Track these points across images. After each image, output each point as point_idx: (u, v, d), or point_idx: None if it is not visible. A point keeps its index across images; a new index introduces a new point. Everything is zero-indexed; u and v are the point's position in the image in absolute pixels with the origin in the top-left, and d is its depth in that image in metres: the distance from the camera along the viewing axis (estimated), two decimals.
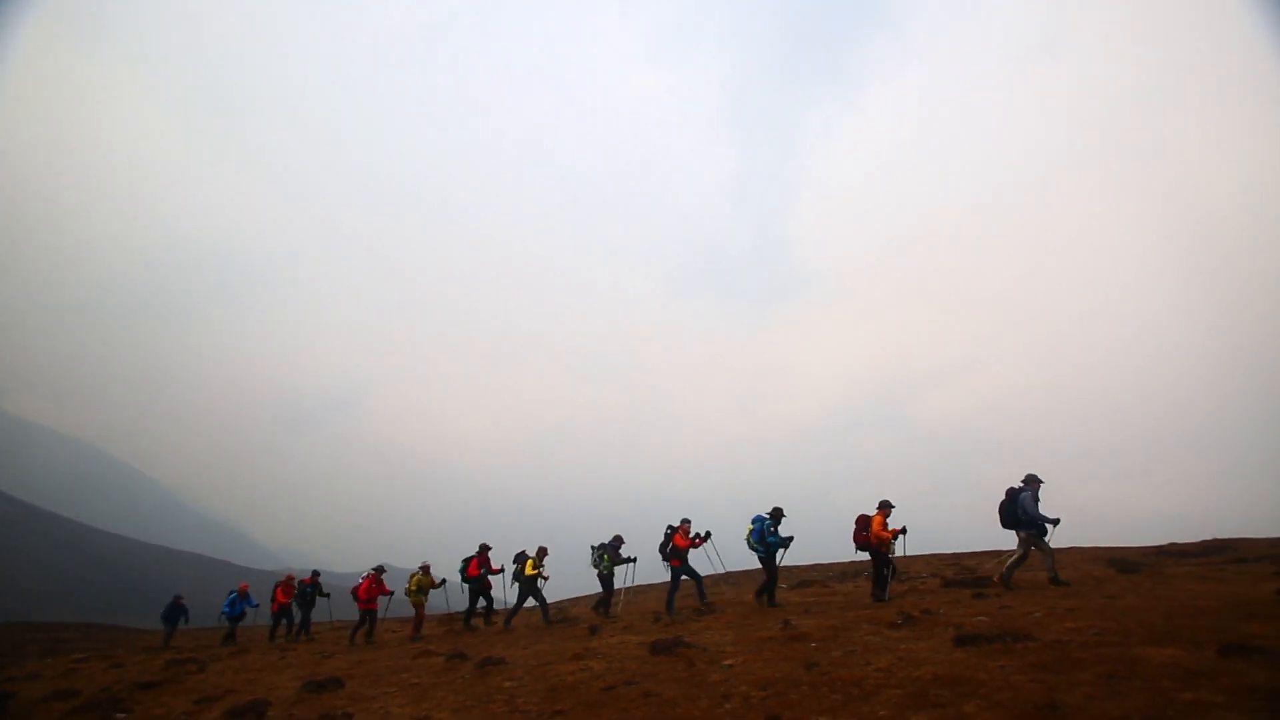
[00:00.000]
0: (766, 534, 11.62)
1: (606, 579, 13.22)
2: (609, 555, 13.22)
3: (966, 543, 20.47)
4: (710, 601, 12.79)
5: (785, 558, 11.98)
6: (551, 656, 8.74)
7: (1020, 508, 10.42)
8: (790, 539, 11.65)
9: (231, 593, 18.06)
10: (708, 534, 12.61)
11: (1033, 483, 10.62)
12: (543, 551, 13.58)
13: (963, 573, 14.54)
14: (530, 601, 13.45)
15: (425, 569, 14.65)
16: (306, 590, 16.55)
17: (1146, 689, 4.17)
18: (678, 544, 12.21)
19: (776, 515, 11.70)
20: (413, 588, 14.43)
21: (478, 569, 13.87)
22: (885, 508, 11.18)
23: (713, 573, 12.96)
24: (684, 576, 12.29)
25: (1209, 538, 17.19)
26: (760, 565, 11.93)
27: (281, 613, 16.82)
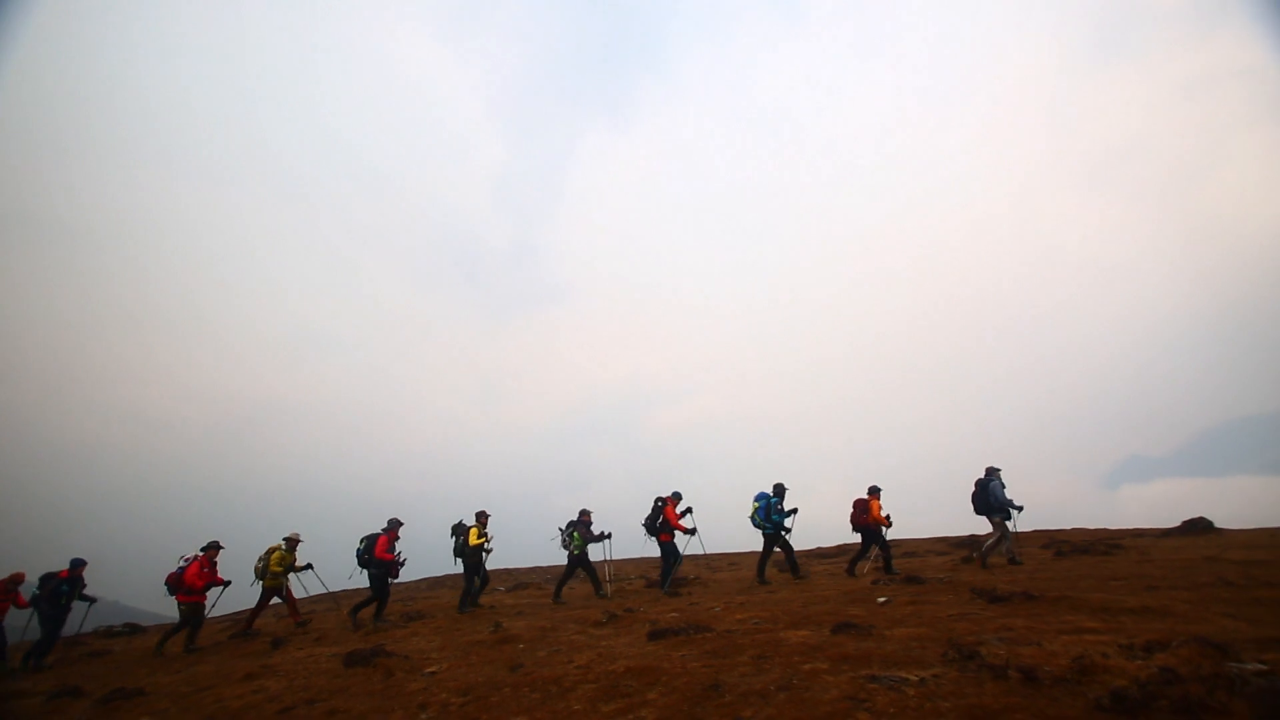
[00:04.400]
0: (774, 510, 11.70)
1: (578, 559, 12.13)
2: (579, 533, 12.12)
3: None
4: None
5: (558, 557, 12.13)
6: (214, 679, 7.36)
7: (991, 495, 11.58)
8: (795, 511, 11.81)
9: None
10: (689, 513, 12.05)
11: (995, 474, 11.86)
12: (484, 517, 12.02)
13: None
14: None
15: (292, 542, 11.52)
16: (61, 590, 10.78)
17: (783, 664, 5.13)
18: (669, 517, 11.79)
19: (780, 491, 11.82)
20: (274, 566, 11.29)
21: (383, 551, 11.19)
22: (876, 493, 12.25)
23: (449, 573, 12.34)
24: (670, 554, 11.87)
25: (841, 542, 22.11)
26: (764, 542, 11.88)
27: None
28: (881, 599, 8.07)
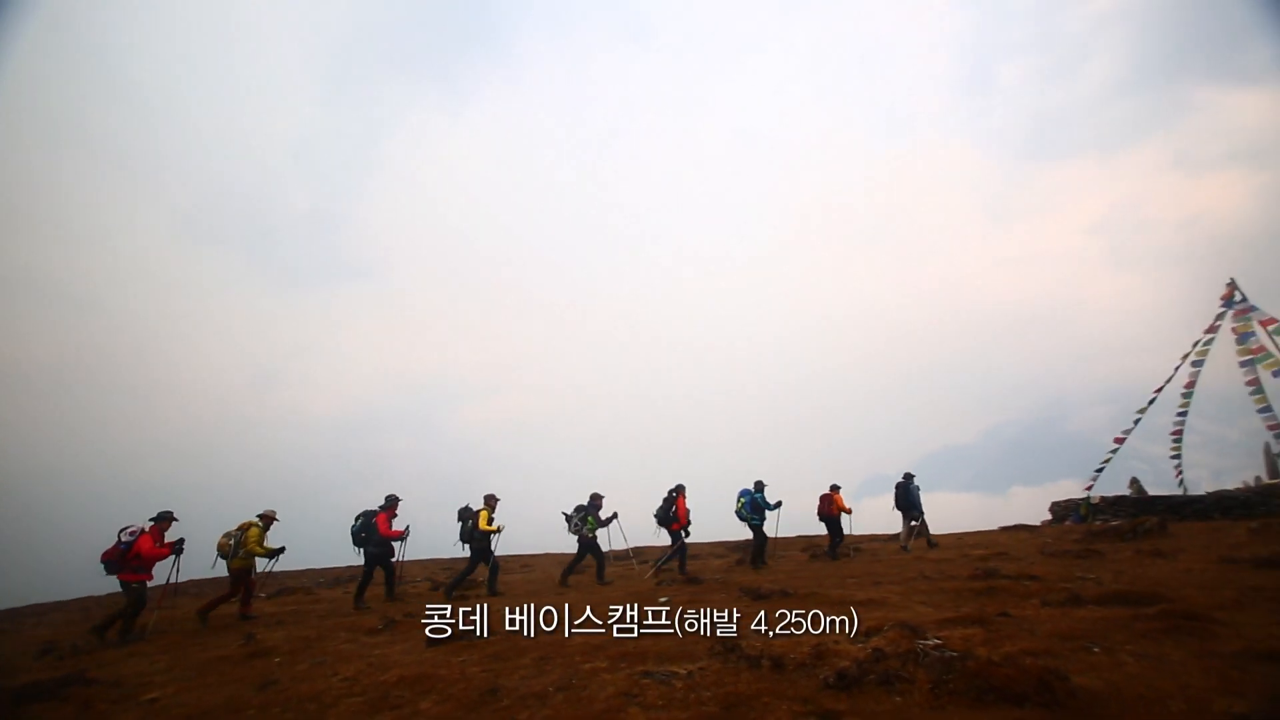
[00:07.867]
0: (761, 503, 12.69)
1: (589, 544, 11.85)
2: (592, 517, 11.89)
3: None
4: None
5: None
6: None
7: (911, 495, 14.18)
8: (780, 503, 12.96)
9: None
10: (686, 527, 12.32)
11: (911, 478, 14.46)
12: (493, 501, 11.31)
13: (453, 575, 15.60)
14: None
15: (268, 519, 10.08)
16: None
17: (564, 665, 5.20)
18: (680, 508, 12.14)
19: (760, 486, 12.92)
20: (251, 544, 9.76)
21: (388, 528, 10.76)
22: (837, 489, 13.75)
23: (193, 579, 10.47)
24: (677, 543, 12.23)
25: (638, 544, 23.20)
26: (751, 534, 12.92)
27: None
28: (663, 599, 8.59)
